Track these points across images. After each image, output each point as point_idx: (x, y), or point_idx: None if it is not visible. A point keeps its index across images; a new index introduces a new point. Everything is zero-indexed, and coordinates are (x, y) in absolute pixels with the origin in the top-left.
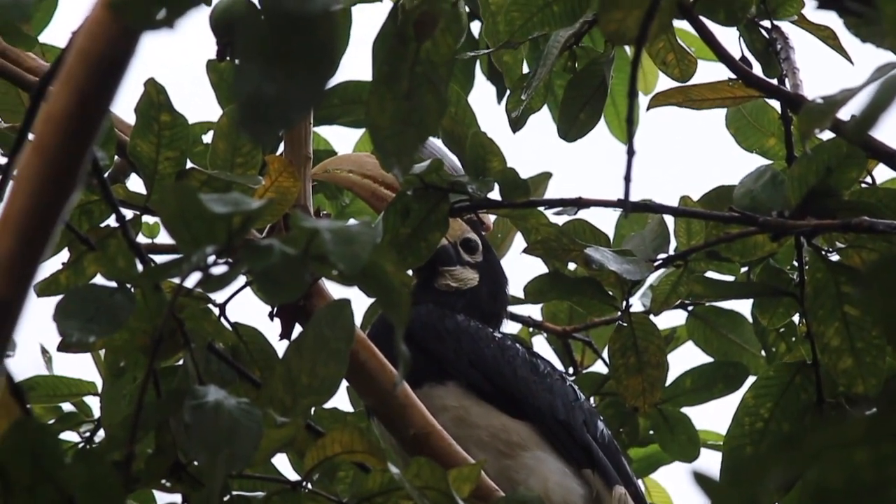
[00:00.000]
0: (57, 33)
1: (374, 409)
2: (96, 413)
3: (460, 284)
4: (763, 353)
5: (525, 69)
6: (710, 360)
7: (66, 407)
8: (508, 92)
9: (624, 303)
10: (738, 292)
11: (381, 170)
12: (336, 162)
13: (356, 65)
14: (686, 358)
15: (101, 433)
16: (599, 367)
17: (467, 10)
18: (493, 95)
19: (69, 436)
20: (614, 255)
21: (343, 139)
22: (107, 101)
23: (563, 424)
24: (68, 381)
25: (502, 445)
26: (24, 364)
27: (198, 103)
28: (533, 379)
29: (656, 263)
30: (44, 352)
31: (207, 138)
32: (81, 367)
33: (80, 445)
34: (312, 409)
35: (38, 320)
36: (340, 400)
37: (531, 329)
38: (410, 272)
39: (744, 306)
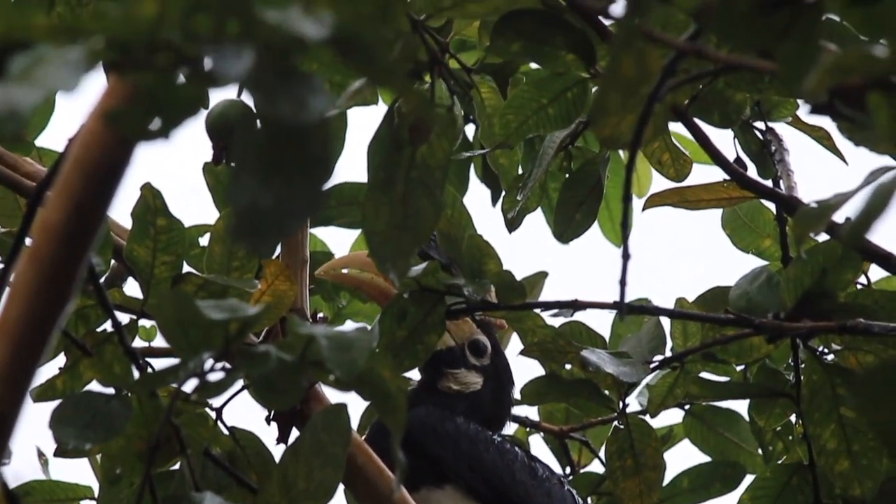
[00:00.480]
0: (54, 137)
1: None
2: None
3: (462, 388)
4: (760, 451)
5: (520, 170)
6: (707, 458)
7: None
8: (504, 193)
9: (620, 404)
10: (734, 393)
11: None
12: (342, 262)
13: (352, 166)
14: (683, 456)
15: None
16: (596, 467)
17: (462, 112)
18: (488, 197)
19: None
20: (610, 357)
21: (340, 241)
22: (103, 210)
23: None
24: (65, 486)
25: None
26: (21, 467)
27: (195, 205)
28: (531, 483)
29: (652, 365)
30: (40, 455)
31: (204, 240)
32: (78, 470)
33: None
34: None
35: (35, 425)
36: None
37: (528, 429)
38: (416, 371)
39: (741, 405)
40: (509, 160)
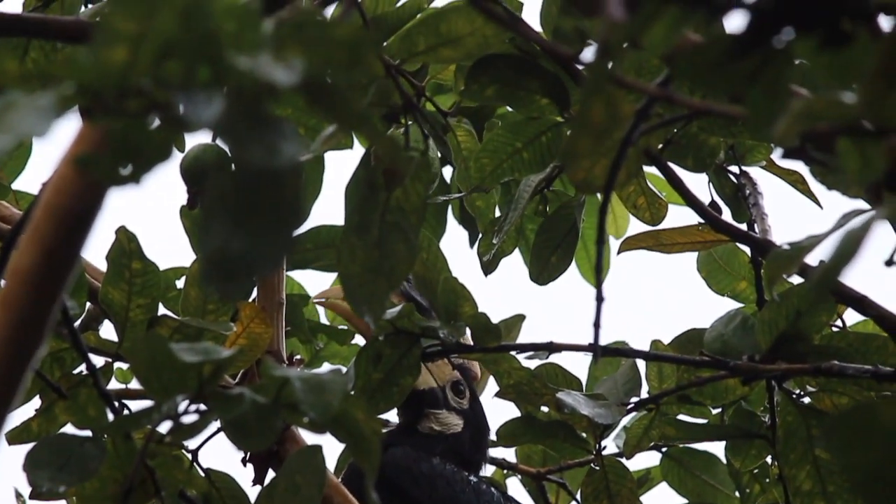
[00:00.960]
0: (31, 180)
1: None
2: None
3: (444, 429)
4: (738, 494)
5: (498, 213)
6: (684, 501)
7: None
8: (480, 236)
9: (596, 446)
10: (710, 435)
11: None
12: (336, 291)
13: (330, 208)
14: (661, 499)
15: None
16: None
17: (439, 155)
18: (465, 239)
19: None
20: (586, 399)
21: (316, 283)
22: (74, 255)
23: None
24: None
25: None
26: None
27: (173, 248)
28: None
29: (628, 407)
30: (18, 496)
31: (181, 283)
32: None
33: None
34: None
35: (9, 468)
36: None
37: (505, 471)
38: (393, 411)
39: (717, 447)
40: (486, 203)
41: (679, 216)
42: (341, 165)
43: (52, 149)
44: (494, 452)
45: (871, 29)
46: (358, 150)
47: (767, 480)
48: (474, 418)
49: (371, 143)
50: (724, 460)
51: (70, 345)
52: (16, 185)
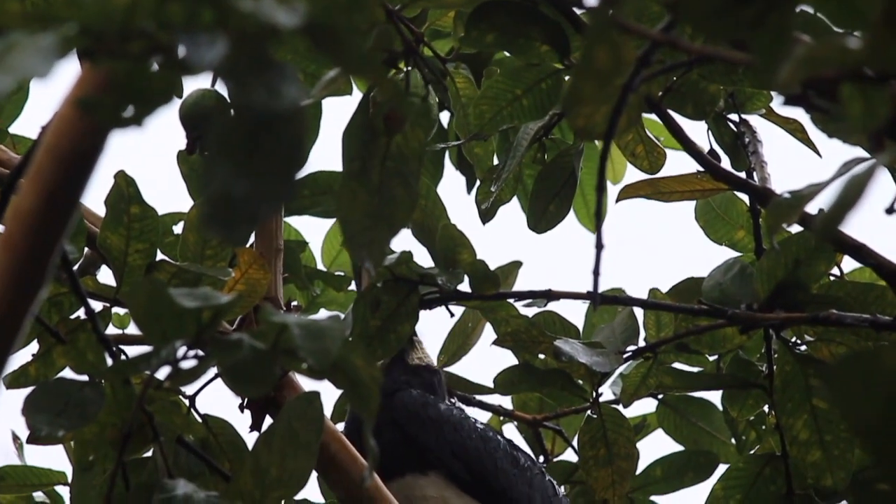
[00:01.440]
0: (28, 124)
1: (344, 501)
2: (66, 502)
3: (429, 361)
4: (733, 441)
5: (496, 161)
6: (680, 448)
7: (37, 496)
8: (478, 184)
9: (594, 394)
10: (707, 384)
11: None
12: None
13: (327, 155)
14: (656, 445)
15: None
16: (570, 456)
17: (437, 101)
18: (463, 185)
19: None
20: (584, 347)
21: (314, 229)
22: (75, 198)
23: None
24: (38, 471)
25: None
26: None
27: (169, 193)
28: (513, 472)
29: (626, 355)
30: (15, 439)
31: (178, 228)
32: (52, 455)
33: None
34: (282, 502)
35: (7, 411)
36: (311, 492)
37: (501, 418)
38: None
39: (714, 394)
40: (484, 150)
41: (677, 164)
42: (338, 112)
43: (48, 93)
44: (491, 400)
45: None
46: (355, 97)
47: (763, 428)
48: None
49: (374, 87)
50: (720, 408)
51: (68, 289)
52: (13, 129)
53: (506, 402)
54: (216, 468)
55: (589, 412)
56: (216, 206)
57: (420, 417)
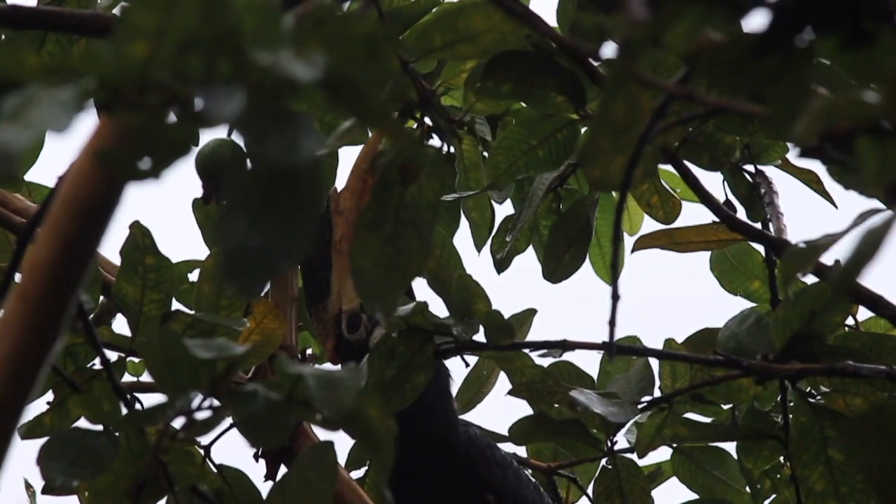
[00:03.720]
0: (44, 172)
1: None
2: None
3: None
4: (748, 489)
5: (495, 223)
6: (695, 496)
7: None
8: (494, 233)
9: (608, 445)
10: (722, 435)
11: None
12: None
13: None
14: (671, 494)
15: None
16: None
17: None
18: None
19: None
20: (599, 398)
21: None
22: (91, 249)
23: None
24: None
25: None
26: (7, 500)
27: (184, 240)
28: None
29: (641, 406)
30: (28, 487)
31: (194, 276)
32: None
33: None
34: None
35: (22, 462)
36: None
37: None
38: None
39: (729, 443)
40: (481, 215)
41: (692, 216)
42: (354, 158)
43: (63, 142)
44: (506, 447)
45: (892, 28)
46: None
47: (779, 477)
48: None
49: (389, 138)
50: (735, 456)
51: (83, 339)
52: (28, 177)
53: (520, 449)
54: None
55: (604, 463)
56: (232, 258)
57: (486, 457)
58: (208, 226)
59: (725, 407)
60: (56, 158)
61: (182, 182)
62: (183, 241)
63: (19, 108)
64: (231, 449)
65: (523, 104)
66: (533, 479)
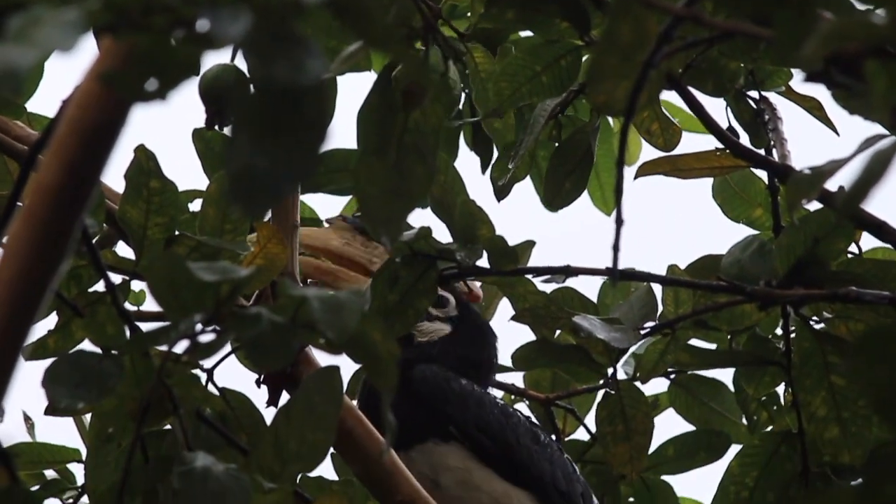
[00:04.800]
0: (43, 102)
1: (361, 476)
2: (79, 480)
3: (430, 336)
4: (744, 421)
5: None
6: (690, 427)
7: (49, 474)
8: (494, 160)
9: (611, 370)
10: (725, 361)
11: (324, 241)
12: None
13: (340, 133)
14: (667, 425)
15: (84, 500)
16: (581, 435)
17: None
18: (475, 166)
19: (52, 503)
20: (602, 324)
21: (328, 207)
22: (97, 172)
23: (564, 495)
24: (52, 448)
25: None
26: (8, 429)
27: (183, 171)
28: (535, 448)
29: (644, 332)
30: (27, 419)
31: (193, 206)
32: (63, 432)
33: None
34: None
35: (24, 384)
36: (325, 469)
37: (514, 396)
38: None
39: (725, 374)
40: (504, 124)
41: (691, 145)
42: (352, 89)
43: (63, 71)
44: (503, 378)
45: None
46: (369, 76)
47: (775, 409)
48: (466, 321)
49: (396, 60)
50: (731, 388)
51: (87, 262)
52: (28, 106)
53: (518, 380)
54: (234, 442)
55: (606, 389)
56: (238, 180)
57: (444, 391)
58: (208, 156)
59: (729, 335)
60: (56, 89)
61: (181, 112)
62: (183, 173)
63: (24, 28)
64: (232, 376)
65: (524, 34)
66: (501, 402)
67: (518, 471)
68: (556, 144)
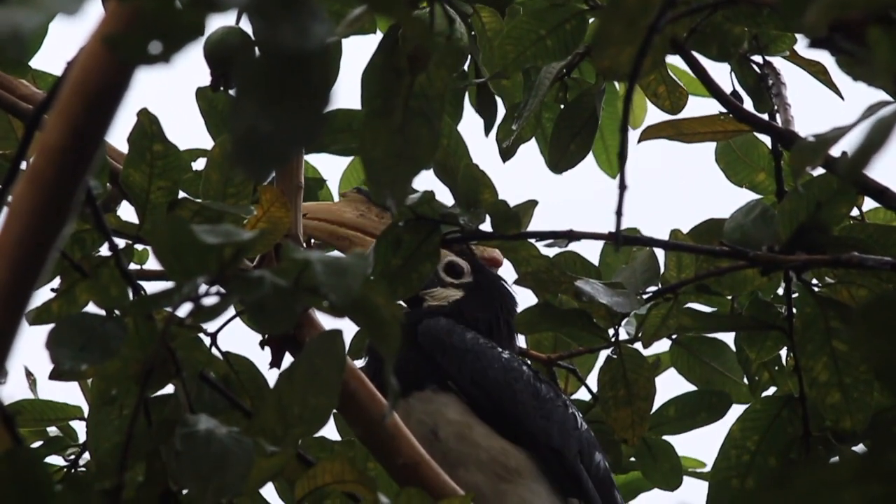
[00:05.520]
0: (48, 59)
1: (363, 438)
2: (81, 437)
3: (442, 301)
4: (746, 381)
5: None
6: (692, 387)
7: (51, 430)
8: (499, 122)
9: (613, 335)
10: (727, 325)
11: (337, 215)
12: (312, 208)
13: (344, 94)
14: (668, 385)
15: (85, 456)
16: (583, 395)
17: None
18: (479, 128)
19: (54, 459)
20: (604, 288)
21: (331, 167)
22: (101, 134)
23: (556, 452)
24: (55, 406)
25: (500, 469)
26: (9, 387)
27: (186, 129)
28: (532, 404)
29: (646, 296)
30: (28, 374)
31: (197, 165)
32: (65, 389)
33: (67, 470)
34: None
35: (28, 347)
36: (328, 429)
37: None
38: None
39: (727, 335)
40: (512, 82)
41: (697, 110)
42: (356, 51)
43: (68, 28)
44: None
45: None
46: (373, 38)
47: (777, 369)
48: (481, 285)
49: (399, 24)
50: (733, 347)
51: (91, 225)
52: (33, 64)
53: (520, 341)
54: (238, 405)
55: (608, 352)
56: (243, 143)
57: (444, 344)
58: (212, 115)
59: (730, 298)
60: (59, 47)
61: (184, 72)
62: (185, 132)
63: None
64: (235, 340)
65: None
66: (508, 355)
67: (511, 426)
68: (562, 107)
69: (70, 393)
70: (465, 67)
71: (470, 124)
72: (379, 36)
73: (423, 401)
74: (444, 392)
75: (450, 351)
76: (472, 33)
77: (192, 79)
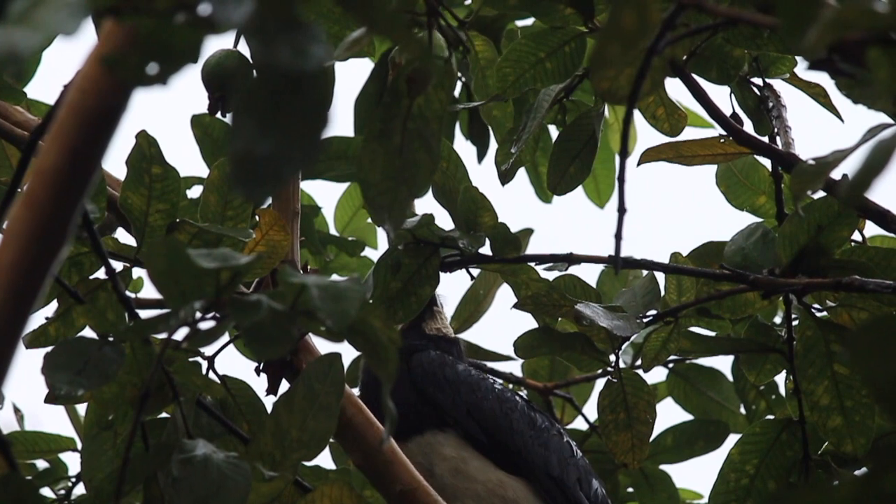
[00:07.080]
0: (42, 88)
1: (361, 465)
2: (72, 470)
3: (447, 331)
4: (743, 410)
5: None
6: (689, 416)
7: (41, 464)
8: (497, 146)
9: (614, 359)
10: (727, 348)
11: None
12: None
13: (338, 120)
14: (665, 415)
15: (78, 489)
16: (580, 424)
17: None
18: (472, 155)
19: (45, 492)
20: (605, 311)
21: (327, 194)
22: (98, 156)
23: (556, 481)
24: (47, 437)
25: (498, 501)
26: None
27: (181, 156)
28: (529, 433)
29: (647, 320)
30: (16, 410)
31: (192, 193)
32: (54, 423)
33: (60, 503)
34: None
35: (24, 372)
36: (323, 458)
37: (512, 385)
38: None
39: (723, 364)
40: (502, 112)
41: (695, 133)
42: (347, 78)
43: (60, 58)
44: (502, 367)
45: None
46: (366, 65)
47: (774, 398)
48: None
49: (400, 46)
50: (729, 377)
51: (88, 249)
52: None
53: (516, 369)
54: (235, 430)
55: (608, 377)
56: (240, 165)
57: (437, 377)
58: (207, 142)
59: (732, 321)
60: (53, 76)
61: (179, 99)
62: (181, 160)
63: (27, 11)
64: (232, 365)
65: (520, 24)
66: (500, 386)
67: (511, 456)
68: (561, 129)
69: (59, 425)
70: (457, 94)
71: (461, 152)
72: (370, 63)
73: (421, 445)
74: (442, 432)
75: (444, 384)
76: (463, 59)
77: (187, 106)
